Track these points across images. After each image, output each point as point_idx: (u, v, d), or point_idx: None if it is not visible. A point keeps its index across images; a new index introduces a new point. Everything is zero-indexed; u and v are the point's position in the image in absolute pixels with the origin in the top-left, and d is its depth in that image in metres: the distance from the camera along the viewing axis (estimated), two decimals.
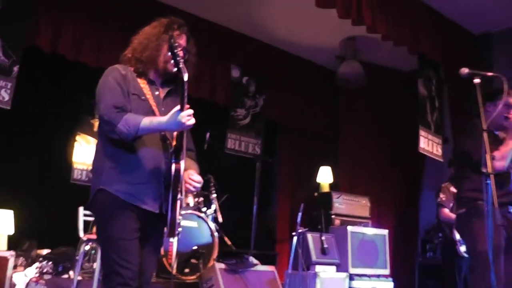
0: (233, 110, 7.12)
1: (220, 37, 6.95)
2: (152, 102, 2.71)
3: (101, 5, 5.91)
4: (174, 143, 2.63)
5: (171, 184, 2.56)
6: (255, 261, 5.00)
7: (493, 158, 3.26)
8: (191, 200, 5.73)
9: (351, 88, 7.43)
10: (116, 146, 2.60)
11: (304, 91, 7.87)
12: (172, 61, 2.58)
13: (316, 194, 6.62)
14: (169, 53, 2.58)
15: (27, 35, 5.34)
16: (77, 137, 6.39)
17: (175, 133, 2.64)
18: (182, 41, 2.81)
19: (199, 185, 2.73)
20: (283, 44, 7.51)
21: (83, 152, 6.47)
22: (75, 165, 6.40)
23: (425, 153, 6.32)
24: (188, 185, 2.68)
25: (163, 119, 2.55)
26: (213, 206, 5.90)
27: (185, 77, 2.53)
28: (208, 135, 6.10)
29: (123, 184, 2.58)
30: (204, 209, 5.76)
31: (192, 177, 2.71)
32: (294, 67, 7.80)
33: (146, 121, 2.54)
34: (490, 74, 3.52)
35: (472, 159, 3.59)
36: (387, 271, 5.75)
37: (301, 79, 7.86)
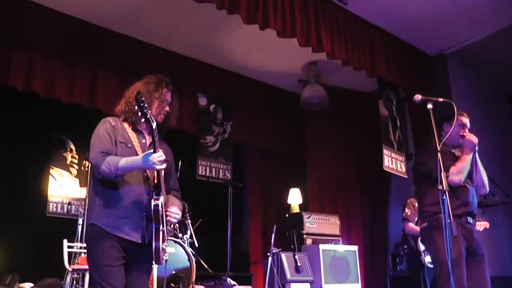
0: (202, 137, 7.41)
1: (186, 66, 7.27)
2: (138, 149, 3.16)
3: (72, 42, 6.16)
4: (155, 182, 3.09)
5: (152, 217, 3.02)
6: (232, 282, 5.27)
7: (447, 176, 3.65)
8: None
9: (315, 110, 7.79)
10: (104, 186, 3.06)
11: (270, 115, 8.21)
12: (139, 114, 3.00)
13: (287, 215, 6.90)
14: (136, 107, 3.01)
15: None
16: (51, 171, 6.58)
17: (155, 173, 3.10)
18: (168, 97, 3.29)
19: (177, 217, 3.21)
20: (247, 71, 7.86)
21: (58, 185, 6.68)
22: (50, 198, 6.59)
23: (389, 170, 6.71)
24: (168, 218, 3.14)
25: (138, 157, 3.03)
26: (189, 232, 6.19)
27: (154, 125, 3.01)
28: (180, 163, 6.38)
29: (109, 218, 3.02)
30: (180, 234, 6.05)
31: (170, 209, 3.17)
32: (259, 92, 8.14)
33: (124, 160, 3.00)
34: (441, 99, 3.92)
35: (431, 177, 3.93)
36: (359, 286, 6.07)
37: (267, 103, 8.20)
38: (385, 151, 6.71)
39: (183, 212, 6.24)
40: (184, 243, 5.89)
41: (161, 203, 3.05)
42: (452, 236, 3.45)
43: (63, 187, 6.78)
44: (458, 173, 3.91)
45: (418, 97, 3.87)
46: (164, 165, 3.00)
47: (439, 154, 3.66)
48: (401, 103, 7.42)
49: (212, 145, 7.47)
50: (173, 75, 6.86)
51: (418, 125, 7.28)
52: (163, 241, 3.08)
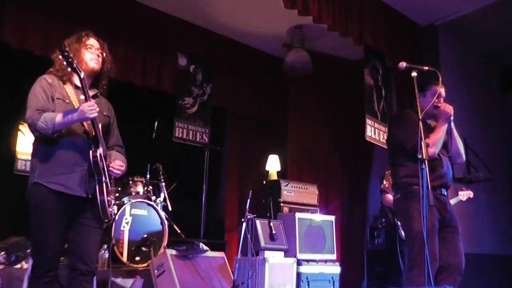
0: (180, 99, 7.40)
1: (167, 25, 7.23)
2: (76, 104, 3.26)
3: None
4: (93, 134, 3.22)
5: (93, 170, 3.17)
6: (205, 247, 5.33)
7: (427, 145, 3.71)
8: (140, 189, 6.05)
9: (299, 75, 7.82)
10: (43, 143, 3.18)
11: (252, 78, 8.20)
12: (65, 63, 3.16)
13: (264, 182, 6.94)
14: (60, 57, 3.17)
15: None
16: (20, 127, 6.53)
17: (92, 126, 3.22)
18: (93, 42, 3.43)
19: (121, 169, 3.35)
20: (230, 32, 7.83)
21: (27, 142, 6.64)
22: (18, 156, 6.56)
23: (371, 141, 6.81)
24: (111, 170, 3.29)
25: (73, 111, 3.13)
26: (162, 195, 6.24)
27: (82, 75, 3.16)
28: (156, 124, 6.40)
29: (52, 175, 3.14)
30: (153, 197, 6.09)
31: (114, 162, 3.33)
32: (242, 55, 8.12)
33: (60, 115, 3.11)
34: (426, 68, 3.95)
35: (406, 147, 4.01)
36: (334, 256, 6.16)
37: (249, 67, 8.20)
38: (368, 121, 6.79)
39: (156, 175, 6.29)
40: (157, 206, 5.94)
41: (100, 154, 3.18)
42: (428, 206, 3.52)
43: None
44: (432, 145, 3.95)
45: (403, 64, 3.91)
46: (96, 114, 3.11)
47: (420, 123, 3.70)
48: (387, 73, 7.49)
49: (191, 107, 7.48)
50: (153, 33, 6.99)
51: (403, 96, 7.28)
52: (108, 194, 3.22)
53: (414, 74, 3.91)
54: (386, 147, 6.66)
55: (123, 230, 5.44)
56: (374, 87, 7.13)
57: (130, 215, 5.60)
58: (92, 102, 3.14)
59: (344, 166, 8.40)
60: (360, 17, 6.59)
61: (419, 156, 3.63)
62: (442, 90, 4.20)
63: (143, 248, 5.49)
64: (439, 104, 4.13)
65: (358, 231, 8.08)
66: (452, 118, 4.12)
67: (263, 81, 8.35)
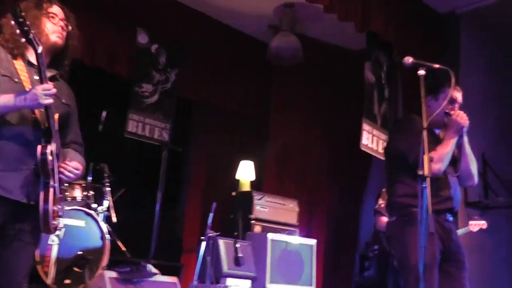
0: (137, 85, 7.29)
1: None
2: (27, 85, 3.10)
3: None
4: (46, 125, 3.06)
5: (39, 170, 3.00)
6: (154, 270, 5.27)
7: (431, 160, 3.67)
8: (78, 193, 5.94)
9: (286, 65, 7.74)
10: None
11: (229, 66, 8.13)
12: (18, 31, 2.97)
13: (234, 193, 6.89)
14: (12, 22, 2.97)
15: None
16: None
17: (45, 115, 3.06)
18: (56, 10, 3.29)
19: (75, 172, 3.19)
20: (206, 7, 7.72)
21: None
22: None
23: (367, 150, 6.80)
24: (62, 172, 3.13)
25: (23, 93, 2.97)
26: (106, 203, 6.12)
27: (39, 49, 2.98)
28: (104, 114, 6.30)
29: None
30: (94, 205, 5.97)
31: (69, 163, 3.16)
32: (218, 36, 8.02)
33: (5, 96, 2.95)
34: (436, 66, 3.89)
35: (407, 161, 3.97)
36: None
37: (226, 51, 8.11)
38: (365, 126, 6.78)
39: (100, 177, 6.19)
40: (98, 216, 5.83)
41: (51, 151, 3.02)
42: (428, 234, 3.46)
43: None
44: (438, 160, 3.92)
45: (408, 59, 3.87)
46: (51, 100, 2.96)
47: (424, 132, 3.66)
48: (393, 70, 7.49)
49: (150, 96, 7.39)
50: (106, 2, 6.85)
51: (412, 98, 7.19)
52: (55, 203, 3.05)
53: (421, 72, 3.84)
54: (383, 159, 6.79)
55: (51, 245, 5.29)
56: (375, 86, 7.13)
57: (63, 226, 5.47)
58: (49, 85, 2.98)
59: (334, 179, 8.35)
60: None
61: (419, 173, 3.59)
62: (458, 95, 4.19)
63: (76, 269, 5.35)
64: (452, 112, 4.09)
65: (346, 260, 8.06)
66: (465, 129, 4.09)
67: (243, 69, 8.30)
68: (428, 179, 3.55)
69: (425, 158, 3.60)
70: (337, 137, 8.31)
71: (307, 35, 7.94)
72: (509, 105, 8.13)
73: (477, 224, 6.22)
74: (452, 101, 4.12)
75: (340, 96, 8.35)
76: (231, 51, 8.19)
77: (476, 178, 4.34)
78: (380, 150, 6.89)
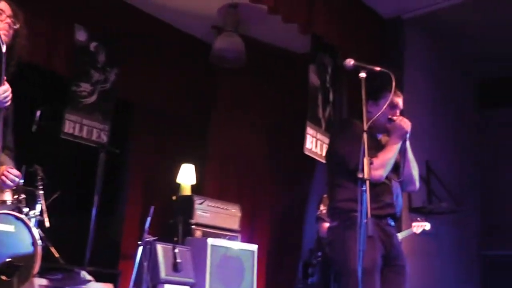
0: (75, 84, 7.15)
1: None
2: None
3: None
4: None
5: None
6: (88, 276, 5.16)
7: (371, 163, 3.64)
8: (8, 197, 5.74)
9: (229, 66, 7.71)
10: None
11: (171, 66, 8.05)
12: None
13: (174, 197, 6.81)
14: None
15: None
16: None
17: None
18: (4, 7, 3.24)
19: (16, 180, 3.24)
20: (148, 6, 7.66)
21: None
22: None
23: (311, 155, 6.77)
24: (4, 178, 3.13)
25: None
26: (39, 206, 5.95)
27: (3, 48, 2.96)
28: (38, 113, 6.15)
29: None
30: (25, 209, 5.78)
31: (10, 170, 3.16)
32: (161, 36, 7.96)
33: None
34: (377, 69, 3.89)
35: (348, 166, 3.94)
36: None
37: (169, 51, 8.05)
38: (309, 130, 6.76)
39: (33, 179, 6.03)
40: (30, 221, 5.64)
41: None
42: (366, 237, 3.45)
43: None
44: (379, 166, 3.93)
45: (350, 61, 3.86)
46: (8, 103, 2.94)
47: (364, 135, 3.65)
48: (338, 73, 7.47)
49: (88, 96, 7.25)
50: None
51: (358, 102, 7.24)
52: None
53: (362, 75, 3.85)
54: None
55: None
56: (320, 89, 7.11)
57: None
58: (7, 86, 2.95)
59: (277, 183, 8.32)
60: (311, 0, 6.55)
61: (359, 176, 3.57)
62: (399, 100, 4.19)
63: (3, 277, 5.17)
64: (394, 117, 4.10)
65: (289, 267, 8.02)
66: (408, 135, 4.09)
67: (185, 71, 8.23)
68: (367, 182, 3.53)
69: (365, 161, 3.58)
70: (280, 140, 8.31)
71: (251, 36, 7.92)
72: (452, 110, 8.25)
73: (420, 226, 6.25)
74: (393, 106, 4.11)
75: (284, 99, 8.36)
76: (174, 52, 8.12)
77: (417, 184, 4.36)
78: (324, 154, 6.85)
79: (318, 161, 7.11)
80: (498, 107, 9.09)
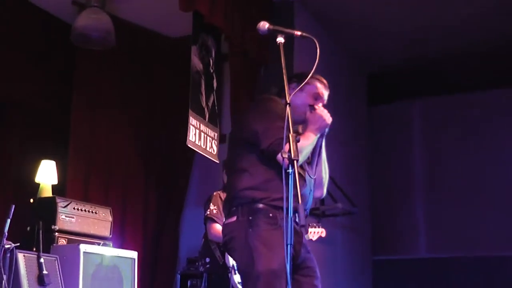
0: None
1: None
2: None
3: None
4: None
5: None
6: None
7: (297, 141, 3.34)
8: None
9: (95, 48, 7.33)
10: None
11: (27, 48, 7.64)
12: None
13: (32, 200, 6.32)
14: None
15: None
16: None
17: None
18: None
19: None
20: None
21: None
22: None
23: (195, 148, 6.60)
24: None
25: None
26: None
27: None
28: None
29: None
30: None
31: None
32: (12, 12, 7.47)
33: None
34: (298, 33, 3.74)
35: (260, 146, 3.70)
36: None
37: (23, 34, 7.60)
38: (192, 121, 6.57)
39: None
40: None
41: None
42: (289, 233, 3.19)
43: None
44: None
45: (264, 25, 3.76)
46: None
47: (287, 108, 3.39)
48: (222, 58, 7.44)
49: None
50: None
51: (243, 93, 7.19)
52: None
53: (280, 40, 3.71)
54: (213, 160, 6.61)
55: None
56: (203, 74, 6.93)
57: None
58: None
59: (151, 182, 8.09)
60: None
61: (284, 156, 3.28)
62: (326, 94, 4.08)
63: None
64: (316, 106, 3.95)
65: (164, 279, 7.92)
66: (327, 130, 3.98)
67: (43, 54, 7.78)
68: (295, 162, 3.24)
69: (291, 137, 3.30)
70: (154, 134, 8.14)
71: (120, 17, 7.65)
72: (343, 104, 8.27)
73: (317, 232, 6.13)
74: (318, 97, 4.01)
75: (159, 87, 8.17)
76: (30, 32, 7.68)
77: (324, 191, 4.27)
78: (209, 148, 6.76)
79: (196, 158, 7.23)
80: (391, 102, 9.33)
